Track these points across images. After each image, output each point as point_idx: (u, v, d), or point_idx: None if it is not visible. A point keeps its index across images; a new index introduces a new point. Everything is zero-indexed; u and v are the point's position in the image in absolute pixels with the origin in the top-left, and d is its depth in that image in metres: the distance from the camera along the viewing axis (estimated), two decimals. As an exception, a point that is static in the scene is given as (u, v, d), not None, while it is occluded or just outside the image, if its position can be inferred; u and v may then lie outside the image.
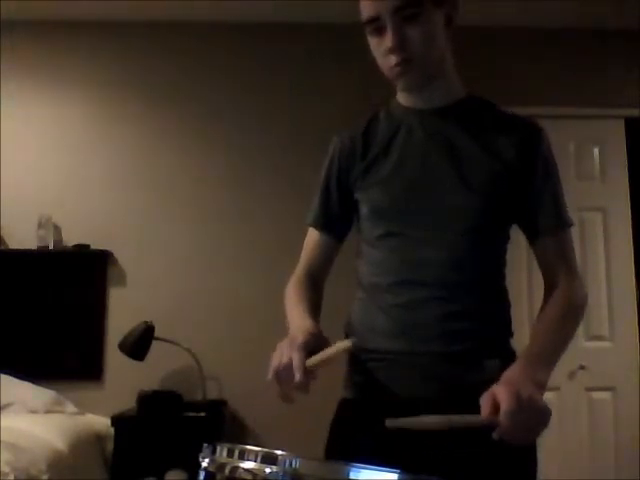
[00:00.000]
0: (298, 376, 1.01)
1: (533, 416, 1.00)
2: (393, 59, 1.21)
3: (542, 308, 1.24)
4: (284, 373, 1.04)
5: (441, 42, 1.24)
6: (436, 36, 1.22)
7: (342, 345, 1.05)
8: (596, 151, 3.67)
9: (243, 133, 3.65)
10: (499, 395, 1.00)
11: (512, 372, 1.08)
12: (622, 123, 3.67)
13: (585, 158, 3.63)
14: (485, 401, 1.01)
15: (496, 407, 0.99)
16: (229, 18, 3.64)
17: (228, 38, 3.71)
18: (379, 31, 1.21)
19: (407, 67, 1.21)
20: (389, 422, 1.01)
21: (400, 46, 1.19)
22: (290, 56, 3.70)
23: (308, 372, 1.02)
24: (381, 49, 1.22)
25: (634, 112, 3.64)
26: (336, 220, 1.38)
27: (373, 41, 1.24)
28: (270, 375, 1.06)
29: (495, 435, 0.99)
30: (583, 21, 3.57)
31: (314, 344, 1.07)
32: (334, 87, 3.64)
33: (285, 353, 1.05)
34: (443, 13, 1.23)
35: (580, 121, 3.57)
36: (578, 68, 3.66)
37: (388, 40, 1.19)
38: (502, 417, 0.98)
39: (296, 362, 1.03)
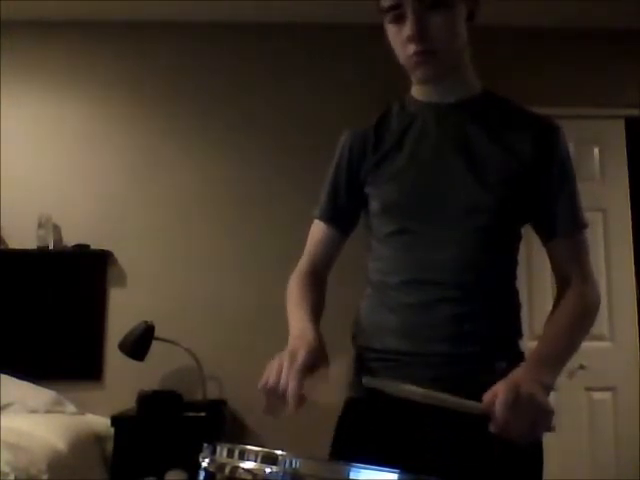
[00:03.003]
0: (291, 405, 0.99)
1: (532, 413, 0.99)
2: (412, 48, 1.18)
3: (553, 310, 1.22)
4: (278, 393, 1.01)
5: (462, 35, 1.22)
6: (457, 28, 1.20)
7: (336, 400, 1.02)
8: (596, 151, 3.67)
9: (243, 133, 3.65)
10: (499, 388, 1.00)
11: (517, 372, 1.08)
12: (622, 123, 3.66)
13: (585, 158, 3.62)
14: (486, 395, 1.01)
15: (495, 399, 0.99)
16: (229, 18, 3.64)
17: (228, 38, 3.71)
18: (399, 19, 1.18)
19: (426, 57, 1.18)
20: (366, 380, 1.00)
21: (420, 34, 1.16)
22: (290, 56, 3.70)
23: (301, 399, 1.00)
24: (400, 37, 1.19)
25: (634, 112, 3.64)
26: (344, 214, 1.35)
27: (392, 29, 1.20)
28: (261, 387, 1.03)
29: (491, 427, 0.98)
30: (583, 21, 3.57)
31: (314, 362, 1.04)
32: (334, 87, 3.64)
33: (284, 373, 1.01)
34: (465, 6, 1.21)
35: (580, 121, 3.55)
36: (578, 68, 3.66)
37: (408, 28, 1.16)
38: (497, 407, 0.97)
39: (292, 390, 0.99)
